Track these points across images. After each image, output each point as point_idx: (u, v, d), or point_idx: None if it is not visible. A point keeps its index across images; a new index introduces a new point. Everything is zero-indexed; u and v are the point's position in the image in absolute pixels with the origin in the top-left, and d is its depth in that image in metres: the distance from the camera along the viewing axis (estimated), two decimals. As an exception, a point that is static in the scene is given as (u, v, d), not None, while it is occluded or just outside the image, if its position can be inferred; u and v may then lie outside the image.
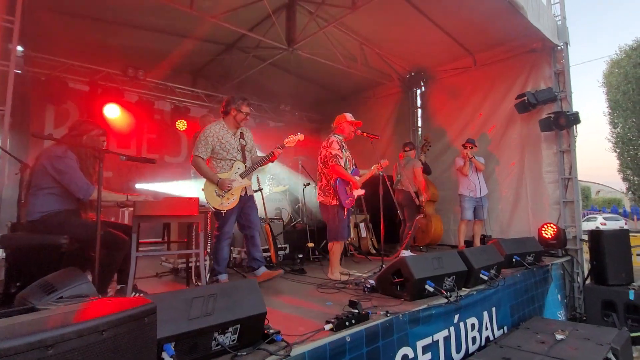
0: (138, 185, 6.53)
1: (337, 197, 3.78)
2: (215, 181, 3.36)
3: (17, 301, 1.81)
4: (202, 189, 3.42)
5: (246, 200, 3.57)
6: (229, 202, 3.40)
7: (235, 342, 1.86)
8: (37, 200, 2.65)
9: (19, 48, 5.10)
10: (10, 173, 3.87)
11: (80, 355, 0.98)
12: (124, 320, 1.11)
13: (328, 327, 2.15)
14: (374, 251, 5.92)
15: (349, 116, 4.06)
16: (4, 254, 2.67)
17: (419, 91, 7.74)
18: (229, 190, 3.39)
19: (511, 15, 4.73)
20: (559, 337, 3.15)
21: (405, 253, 5.19)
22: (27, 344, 0.89)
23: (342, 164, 3.85)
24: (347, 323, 2.20)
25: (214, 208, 3.38)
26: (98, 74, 6.25)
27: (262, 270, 3.57)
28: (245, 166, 3.55)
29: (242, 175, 3.50)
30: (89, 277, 2.11)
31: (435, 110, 7.33)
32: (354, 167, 4.07)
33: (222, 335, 1.80)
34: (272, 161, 3.61)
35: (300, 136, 3.72)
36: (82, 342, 0.99)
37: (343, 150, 3.93)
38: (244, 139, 3.62)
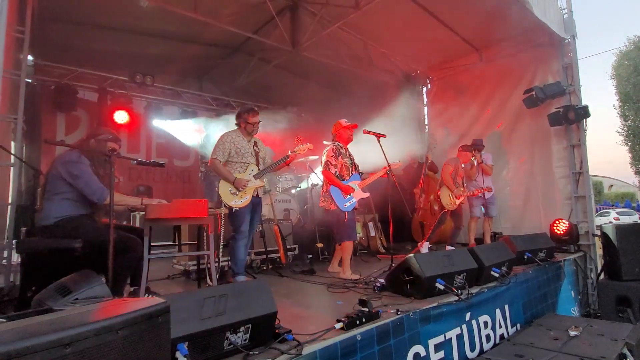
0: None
1: (333, 201, 3.91)
2: (232, 180, 3.54)
3: (33, 304, 1.86)
4: (216, 189, 3.59)
5: (256, 202, 3.74)
6: (242, 201, 3.58)
7: (247, 341, 1.88)
8: (52, 205, 2.69)
9: (29, 57, 5.19)
10: (25, 180, 3.95)
11: (97, 354, 1.00)
12: (139, 320, 1.13)
13: (339, 326, 2.15)
14: (383, 250, 5.90)
15: (343, 122, 4.16)
16: (20, 259, 2.73)
17: (425, 89, 7.71)
18: (244, 189, 3.56)
19: (517, 10, 4.70)
20: (572, 333, 3.11)
21: (424, 248, 5.19)
22: (46, 343, 0.92)
23: (334, 171, 3.97)
24: (357, 322, 2.20)
25: (228, 205, 3.52)
26: (106, 81, 6.35)
27: None
28: (259, 169, 3.72)
29: (256, 177, 3.68)
30: (103, 280, 2.15)
31: (442, 108, 7.29)
32: (355, 172, 4.11)
33: (234, 335, 1.82)
34: (287, 164, 3.78)
35: (309, 145, 3.86)
36: (99, 341, 1.01)
37: (340, 157, 4.03)
38: (257, 147, 3.83)
